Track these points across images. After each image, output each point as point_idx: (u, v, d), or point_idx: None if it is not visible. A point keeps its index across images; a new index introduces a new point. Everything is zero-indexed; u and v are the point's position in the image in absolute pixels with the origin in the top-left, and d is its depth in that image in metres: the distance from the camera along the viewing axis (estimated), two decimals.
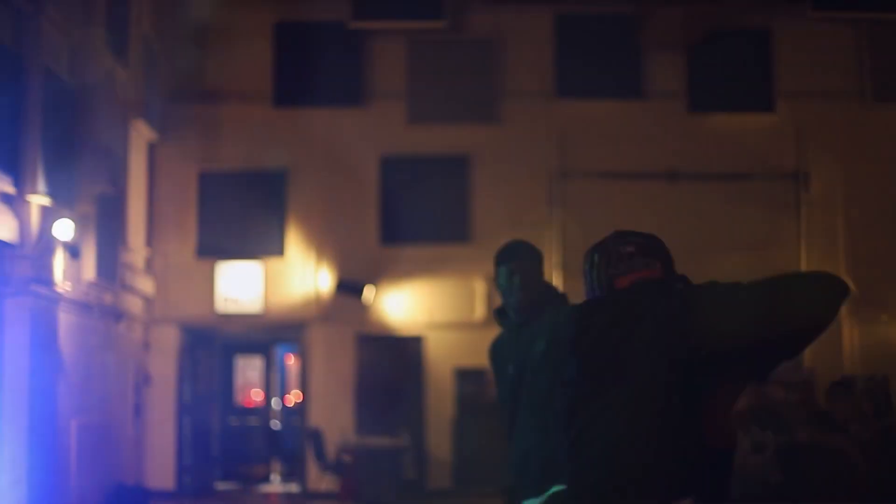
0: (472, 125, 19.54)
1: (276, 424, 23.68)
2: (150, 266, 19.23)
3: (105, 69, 16.40)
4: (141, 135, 18.60)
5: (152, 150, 19.36)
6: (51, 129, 14.08)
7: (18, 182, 13.52)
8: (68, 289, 14.90)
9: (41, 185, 13.93)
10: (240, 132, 19.51)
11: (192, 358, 20.03)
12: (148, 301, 19.13)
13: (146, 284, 18.92)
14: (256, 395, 23.51)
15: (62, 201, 14.40)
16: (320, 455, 18.60)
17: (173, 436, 19.39)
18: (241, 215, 19.47)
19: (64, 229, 14.21)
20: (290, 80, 19.58)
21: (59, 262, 14.54)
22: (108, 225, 16.75)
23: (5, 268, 13.28)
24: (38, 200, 13.88)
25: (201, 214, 19.50)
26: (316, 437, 18.76)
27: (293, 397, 23.17)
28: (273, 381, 23.86)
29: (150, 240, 19.27)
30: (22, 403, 13.49)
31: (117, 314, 17.67)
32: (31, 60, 13.76)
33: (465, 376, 19.16)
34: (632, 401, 3.08)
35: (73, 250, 14.67)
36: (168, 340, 19.45)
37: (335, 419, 19.11)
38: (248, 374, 23.57)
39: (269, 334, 21.50)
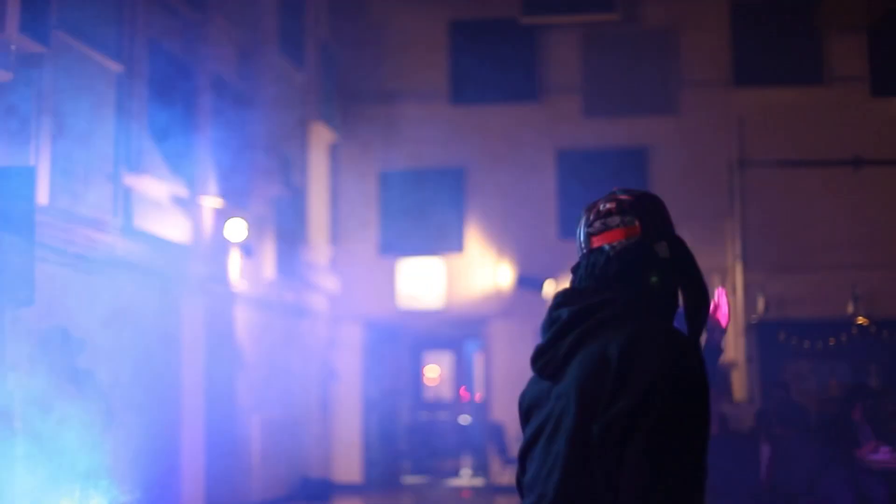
0: (648, 117, 19.34)
1: (465, 419, 23.89)
2: (333, 264, 19.66)
3: (279, 74, 16.85)
4: (321, 136, 19.03)
5: (334, 150, 19.79)
6: (222, 134, 14.57)
7: (191, 185, 14.02)
8: (245, 288, 15.38)
9: (213, 187, 14.43)
10: (418, 131, 19.76)
11: (376, 354, 20.39)
12: (332, 298, 19.56)
13: (330, 282, 19.35)
14: (446, 391, 23.77)
15: (235, 203, 14.88)
16: (502, 449, 18.70)
17: (359, 431, 19.77)
18: (420, 213, 19.71)
19: (236, 230, 14.67)
20: (465, 77, 19.72)
21: (234, 261, 15.02)
22: (288, 225, 17.22)
23: (180, 268, 13.79)
24: (211, 202, 14.37)
25: (382, 213, 19.83)
26: (497, 432, 18.87)
27: (480, 392, 23.33)
28: (462, 377, 24.08)
29: (334, 238, 19.70)
30: (199, 400, 14.00)
31: (300, 312, 18.15)
32: (200, 67, 14.26)
33: None
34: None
35: (247, 249, 15.13)
36: (352, 337, 19.85)
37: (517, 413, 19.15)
38: (438, 369, 23.84)
39: (455, 330, 21.70)
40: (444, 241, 19.62)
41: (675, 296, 2.87)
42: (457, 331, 21.94)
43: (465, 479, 21.50)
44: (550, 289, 19.22)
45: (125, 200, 12.40)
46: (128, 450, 11.86)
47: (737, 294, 18.59)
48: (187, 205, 13.97)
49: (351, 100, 19.87)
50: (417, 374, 23.34)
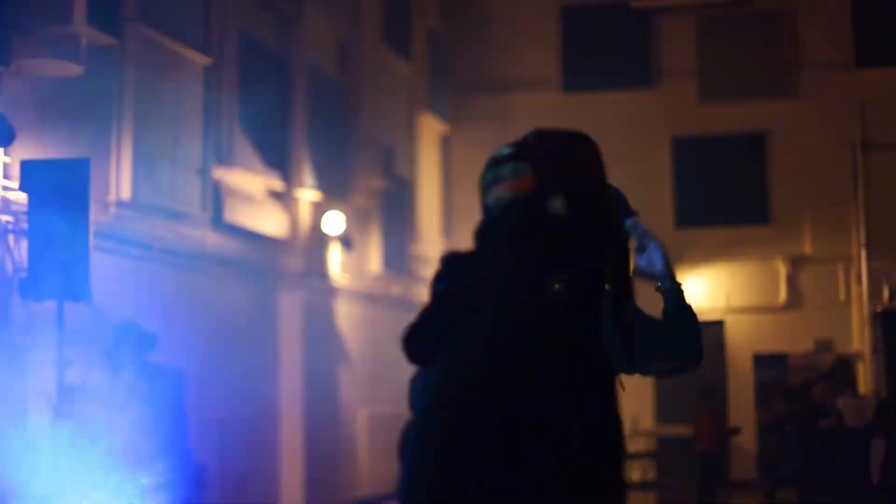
0: (767, 100, 18.71)
1: None
2: None
3: (382, 65, 16.68)
4: (430, 128, 18.82)
5: (445, 142, 19.57)
6: (319, 126, 14.44)
7: (288, 178, 13.92)
8: (347, 282, 15.23)
9: (311, 180, 14.31)
10: (530, 120, 19.18)
11: None
12: None
13: None
14: None
15: (334, 196, 14.74)
16: None
17: None
18: None
19: (335, 223, 14.52)
20: (577, 64, 19.34)
21: (335, 255, 14.88)
22: (394, 217, 17.03)
23: (279, 262, 13.70)
24: (308, 196, 14.25)
25: None
26: None
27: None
28: None
29: (446, 231, 19.47)
30: (297, 394, 13.89)
31: (409, 305, 17.94)
32: (296, 60, 14.14)
33: (765, 362, 18.38)
34: None
35: (347, 243, 14.97)
36: None
37: (634, 407, 18.74)
38: None
39: None
40: None
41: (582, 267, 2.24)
42: None
43: None
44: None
45: (214, 194, 12.33)
46: (221, 444, 11.80)
47: (862, 283, 17.88)
48: (283, 198, 13.86)
49: (461, 90, 19.62)
50: None
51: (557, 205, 2.26)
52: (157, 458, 8.48)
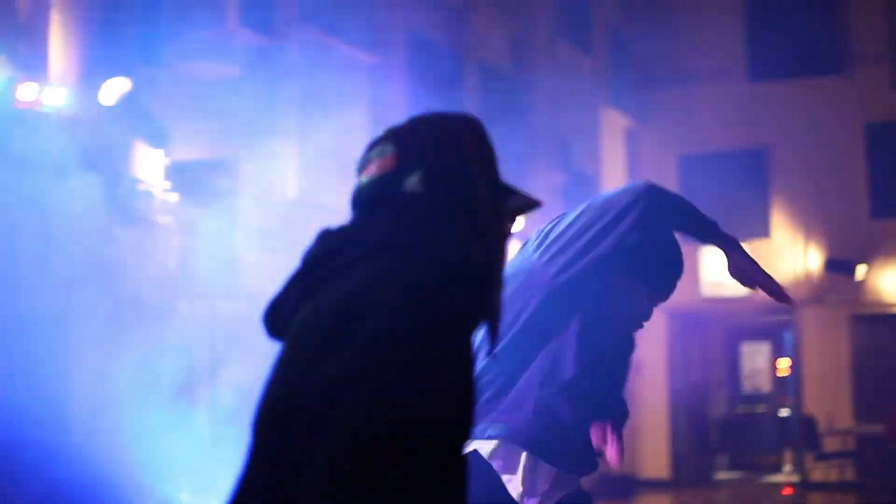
0: None
1: (785, 412, 22.77)
2: None
3: (559, 59, 16.51)
4: (614, 122, 18.56)
5: (629, 136, 19.28)
6: (492, 123, 14.35)
7: None
8: None
9: None
10: (715, 112, 18.96)
11: (681, 344, 19.72)
12: None
13: None
14: (764, 382, 22.72)
15: None
16: (813, 443, 17.72)
17: (666, 425, 19.15)
18: (722, 198, 18.88)
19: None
20: (763, 53, 18.79)
21: (512, 250, 14.78)
22: None
23: None
24: None
25: None
26: (808, 425, 17.89)
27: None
28: (781, 368, 22.97)
29: None
30: None
31: None
32: (467, 56, 14.11)
33: None
34: None
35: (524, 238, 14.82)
36: (655, 327, 19.25)
37: (830, 405, 18.13)
38: (755, 360, 22.82)
39: (763, 318, 20.73)
40: (748, 225, 18.70)
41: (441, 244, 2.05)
42: (766, 318, 20.93)
43: (786, 475, 20.48)
44: (863, 272, 18.06)
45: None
46: None
47: None
48: None
49: (645, 83, 19.29)
50: (732, 365, 22.41)
51: (413, 181, 2.11)
52: None
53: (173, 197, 8.37)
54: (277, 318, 2.11)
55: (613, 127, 18.63)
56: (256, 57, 9.77)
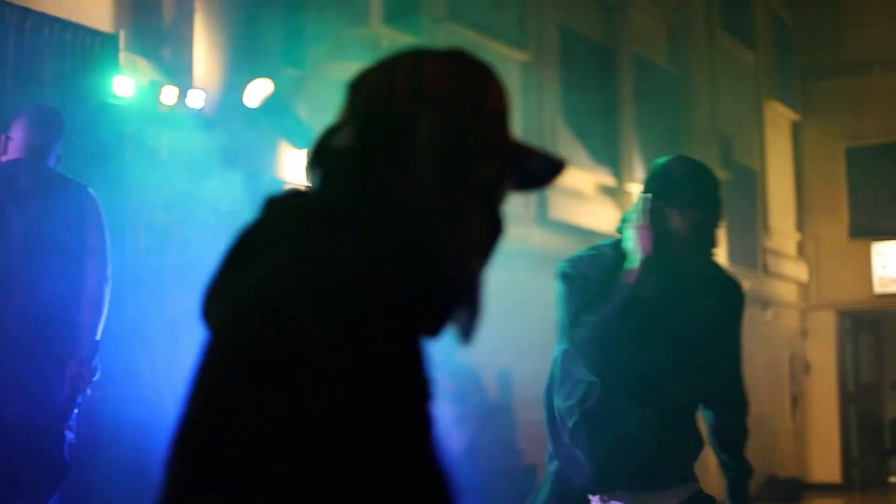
0: None
1: None
2: (801, 250, 18.58)
3: (719, 52, 16.10)
4: (779, 115, 18.04)
5: (795, 129, 18.72)
6: (649, 118, 14.07)
7: (618, 173, 13.64)
8: None
9: (641, 173, 13.96)
10: (887, 102, 18.26)
11: (853, 344, 19.06)
12: (802, 287, 18.49)
13: (798, 270, 18.29)
14: None
15: None
16: None
17: (837, 426, 18.53)
18: (893, 192, 18.22)
19: None
20: None
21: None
22: (739, 209, 16.39)
23: None
24: (640, 190, 13.90)
25: (851, 193, 18.49)
26: None
27: None
28: None
29: (799, 222, 18.62)
30: None
31: (762, 301, 17.23)
32: (622, 50, 13.84)
33: None
34: None
35: None
36: (825, 326, 18.65)
37: None
38: None
39: None
40: None
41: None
42: None
43: None
44: None
45: (539, 191, 12.16)
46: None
47: None
48: (614, 193, 13.57)
49: (810, 75, 18.68)
50: None
51: (344, 135, 1.79)
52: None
53: None
54: (207, 302, 1.77)
55: (778, 120, 18.09)
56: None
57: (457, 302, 1.73)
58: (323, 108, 8.89)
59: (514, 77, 11.89)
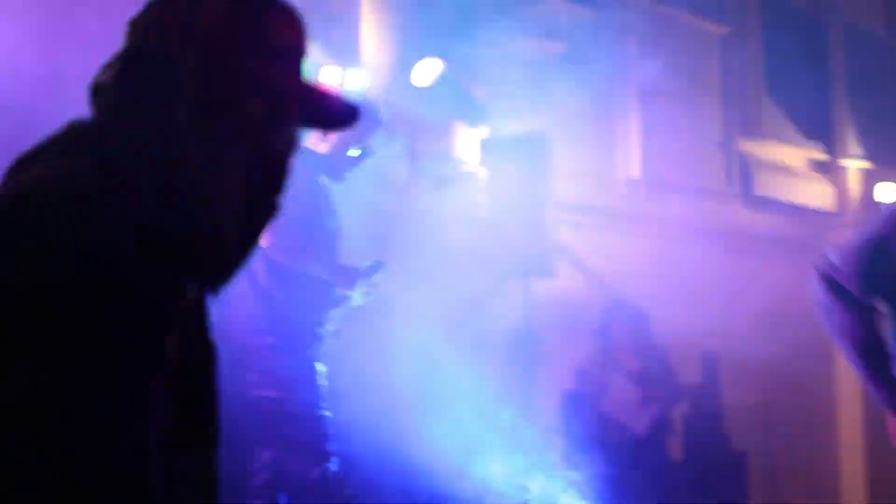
0: None
1: None
2: None
3: None
4: None
5: None
6: (864, 90, 13.45)
7: (830, 147, 13.09)
8: None
9: (858, 148, 13.38)
10: None
11: None
12: None
13: None
14: None
15: (886, 164, 13.67)
16: None
17: None
18: None
19: (888, 193, 13.46)
20: None
21: None
22: None
23: (826, 237, 12.89)
24: (855, 164, 13.30)
25: None
26: None
27: None
28: None
29: None
30: (855, 382, 12.93)
31: None
32: (832, 19, 13.27)
33: None
34: None
35: None
36: None
37: None
38: None
39: None
40: None
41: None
42: None
43: None
44: None
45: (742, 168, 11.80)
46: (765, 434, 11.33)
47: None
48: (827, 169, 13.02)
49: None
50: None
51: (105, 74, 1.71)
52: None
53: (484, 173, 8.19)
54: None
55: None
56: (587, 33, 9.47)
57: (201, 244, 1.60)
58: (498, 84, 8.77)
59: (711, 53, 11.55)
